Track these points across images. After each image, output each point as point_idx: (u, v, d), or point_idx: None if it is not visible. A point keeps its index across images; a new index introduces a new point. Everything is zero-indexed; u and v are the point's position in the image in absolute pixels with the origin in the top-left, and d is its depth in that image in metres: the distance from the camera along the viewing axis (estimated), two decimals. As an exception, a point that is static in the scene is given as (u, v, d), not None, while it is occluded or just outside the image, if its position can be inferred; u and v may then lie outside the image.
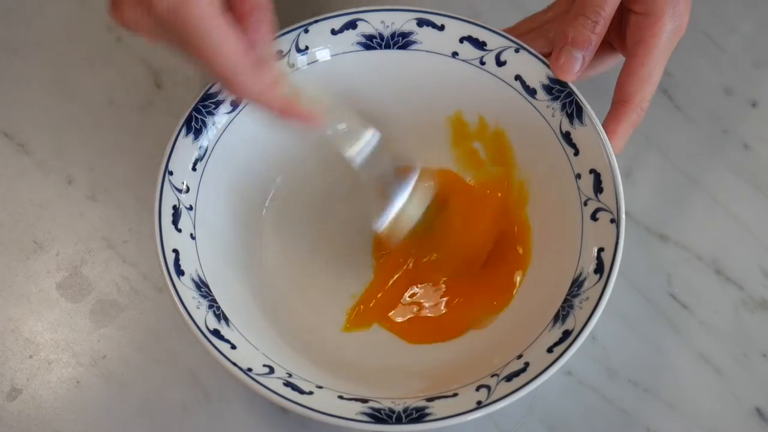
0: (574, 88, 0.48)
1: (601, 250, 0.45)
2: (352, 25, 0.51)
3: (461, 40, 0.50)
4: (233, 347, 0.43)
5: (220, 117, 0.49)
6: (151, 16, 0.39)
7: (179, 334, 0.51)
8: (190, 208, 0.47)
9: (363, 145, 0.46)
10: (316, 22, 0.50)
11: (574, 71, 0.48)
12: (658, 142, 0.57)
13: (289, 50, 0.50)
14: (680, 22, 0.48)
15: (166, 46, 0.41)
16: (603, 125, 0.48)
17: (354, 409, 0.42)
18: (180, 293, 0.44)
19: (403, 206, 0.48)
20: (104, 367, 0.51)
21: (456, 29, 0.50)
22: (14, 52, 0.60)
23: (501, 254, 0.52)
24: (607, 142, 0.47)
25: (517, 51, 0.50)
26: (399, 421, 0.42)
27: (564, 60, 0.48)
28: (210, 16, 0.39)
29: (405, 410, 0.42)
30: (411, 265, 0.52)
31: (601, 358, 0.51)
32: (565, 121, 0.48)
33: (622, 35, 0.50)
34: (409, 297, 0.51)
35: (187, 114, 0.48)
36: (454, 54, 0.51)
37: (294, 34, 0.50)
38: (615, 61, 0.52)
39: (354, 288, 0.52)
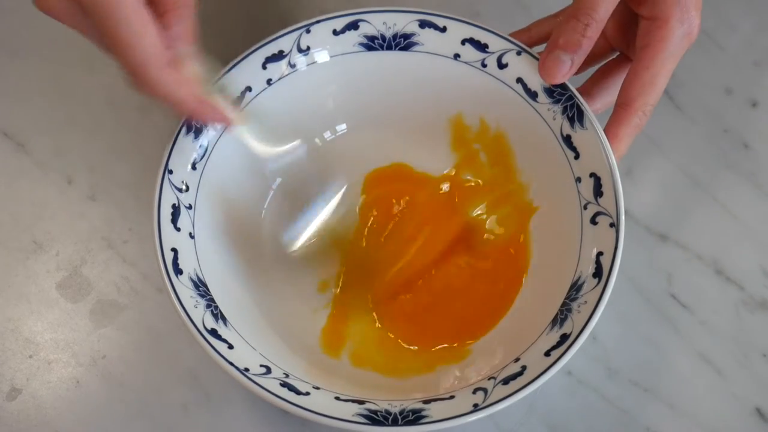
0: (576, 92, 0.48)
1: (600, 254, 0.45)
2: (353, 25, 0.51)
3: (463, 42, 0.50)
4: (230, 347, 0.43)
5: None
6: (73, 1, 0.39)
7: (179, 334, 0.51)
8: (190, 207, 0.47)
9: (283, 151, 0.47)
10: (318, 22, 0.50)
11: (560, 74, 0.48)
12: (658, 142, 0.57)
13: (291, 50, 0.50)
14: (690, 27, 0.47)
15: (84, 36, 0.41)
16: (605, 129, 0.47)
17: (350, 410, 0.42)
18: (178, 292, 0.44)
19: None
20: (104, 367, 0.51)
21: (458, 31, 0.50)
22: (14, 52, 0.60)
23: (500, 258, 0.52)
24: (608, 145, 0.46)
25: (518, 54, 0.49)
26: (395, 423, 0.41)
27: (551, 63, 0.48)
28: (131, 5, 0.38)
29: (401, 412, 0.42)
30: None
31: (601, 358, 0.51)
32: (566, 125, 0.48)
33: (632, 41, 0.49)
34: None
35: (188, 113, 0.48)
36: (456, 56, 0.50)
37: (296, 34, 0.50)
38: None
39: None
